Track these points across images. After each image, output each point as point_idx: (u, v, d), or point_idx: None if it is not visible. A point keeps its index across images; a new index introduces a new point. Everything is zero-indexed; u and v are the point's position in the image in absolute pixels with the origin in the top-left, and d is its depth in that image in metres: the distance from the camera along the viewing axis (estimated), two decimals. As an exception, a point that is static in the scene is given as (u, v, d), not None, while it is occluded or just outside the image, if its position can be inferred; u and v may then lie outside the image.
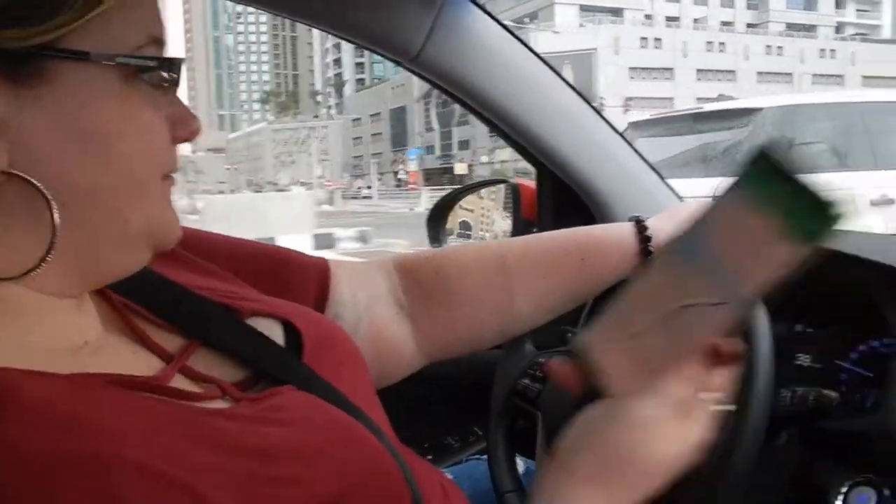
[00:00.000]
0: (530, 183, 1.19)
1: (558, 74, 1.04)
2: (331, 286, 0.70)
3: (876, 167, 5.02)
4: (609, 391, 0.45)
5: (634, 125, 6.11)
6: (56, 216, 0.41)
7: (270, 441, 0.43)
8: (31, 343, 0.41)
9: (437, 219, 1.28)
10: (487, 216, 1.26)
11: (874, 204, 4.72)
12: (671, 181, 1.09)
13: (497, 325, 0.75)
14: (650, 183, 1.10)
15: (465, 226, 1.26)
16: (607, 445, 0.46)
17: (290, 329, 0.57)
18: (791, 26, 69.15)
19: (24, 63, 0.39)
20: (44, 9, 0.39)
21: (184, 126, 0.48)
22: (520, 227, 1.17)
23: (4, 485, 0.33)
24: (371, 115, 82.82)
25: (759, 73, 61.10)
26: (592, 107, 1.07)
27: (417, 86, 61.96)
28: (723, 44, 61.65)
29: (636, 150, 1.11)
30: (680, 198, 1.13)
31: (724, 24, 68.26)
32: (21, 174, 0.40)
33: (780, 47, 63.06)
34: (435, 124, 61.17)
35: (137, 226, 0.45)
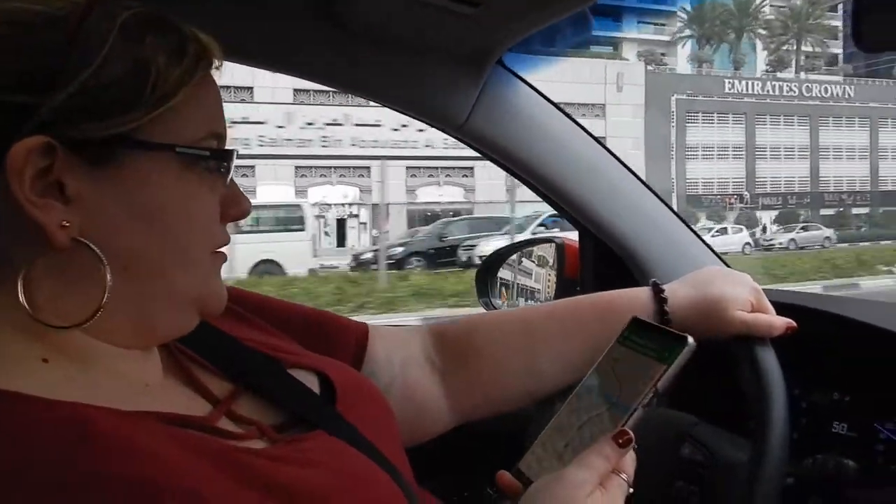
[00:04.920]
0: (575, 241, 1.24)
1: (600, 143, 1.10)
2: (368, 347, 0.76)
3: None
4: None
5: None
6: (108, 277, 0.48)
7: (295, 481, 0.49)
8: (102, 384, 0.49)
9: (485, 276, 1.33)
10: (533, 274, 1.30)
11: None
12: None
13: (522, 386, 0.79)
14: (689, 244, 1.13)
15: (507, 283, 1.31)
16: (555, 501, 0.53)
17: (325, 381, 0.63)
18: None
19: (100, 149, 0.47)
20: (119, 106, 0.47)
21: (235, 206, 0.55)
22: (562, 286, 1.21)
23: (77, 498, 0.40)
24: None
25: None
26: (633, 173, 1.11)
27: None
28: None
29: (677, 214, 1.14)
30: (723, 261, 1.14)
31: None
32: (86, 241, 0.47)
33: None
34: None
35: (185, 292, 0.53)
